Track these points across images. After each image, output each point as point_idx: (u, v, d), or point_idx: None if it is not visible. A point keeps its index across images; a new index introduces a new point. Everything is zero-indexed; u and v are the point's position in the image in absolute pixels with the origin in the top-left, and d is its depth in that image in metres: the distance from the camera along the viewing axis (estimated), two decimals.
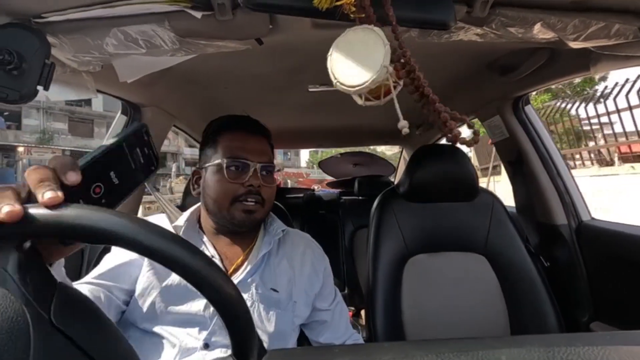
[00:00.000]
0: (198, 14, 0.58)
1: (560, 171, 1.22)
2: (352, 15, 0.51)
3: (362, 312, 2.01)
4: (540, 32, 0.68)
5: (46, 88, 0.61)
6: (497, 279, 1.10)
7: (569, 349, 0.35)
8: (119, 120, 1.19)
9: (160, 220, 0.84)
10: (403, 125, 0.50)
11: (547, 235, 1.24)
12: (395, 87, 0.52)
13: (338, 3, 0.49)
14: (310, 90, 1.23)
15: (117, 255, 0.77)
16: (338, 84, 0.51)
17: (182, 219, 0.82)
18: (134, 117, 1.17)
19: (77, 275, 1.08)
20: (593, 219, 1.20)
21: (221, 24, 0.62)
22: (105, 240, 0.30)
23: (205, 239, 0.80)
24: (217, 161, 0.77)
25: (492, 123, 1.33)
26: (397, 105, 0.51)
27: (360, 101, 0.54)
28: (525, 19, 0.65)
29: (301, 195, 2.50)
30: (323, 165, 3.14)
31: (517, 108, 1.24)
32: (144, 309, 0.72)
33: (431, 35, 0.69)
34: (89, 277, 0.73)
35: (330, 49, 0.51)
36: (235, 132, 0.81)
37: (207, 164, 0.80)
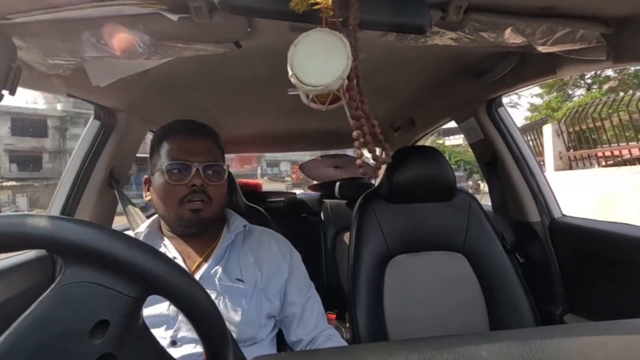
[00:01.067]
0: (174, 17, 0.57)
1: (533, 170, 1.27)
2: (324, 17, 0.51)
3: (346, 315, 2.01)
4: (511, 37, 0.70)
5: (12, 93, 0.58)
6: (476, 277, 1.12)
7: (545, 342, 0.36)
8: (91, 125, 1.15)
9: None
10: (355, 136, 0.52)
11: (522, 233, 1.28)
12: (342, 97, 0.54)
13: (315, 7, 0.50)
14: (290, 93, 1.22)
15: None
16: (293, 76, 0.52)
17: (144, 225, 0.85)
18: (107, 122, 1.14)
19: (48, 285, 1.03)
20: (564, 215, 1.25)
21: (198, 27, 0.61)
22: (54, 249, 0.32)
23: (166, 241, 0.82)
24: (161, 166, 0.79)
25: (467, 125, 1.37)
26: (348, 114, 0.53)
27: (305, 100, 0.55)
28: (496, 24, 0.68)
29: (282, 199, 2.48)
30: (304, 168, 3.14)
31: (491, 110, 1.28)
32: None
33: (407, 39, 0.70)
34: None
35: (296, 40, 0.52)
36: (177, 136, 0.83)
37: (154, 170, 0.82)
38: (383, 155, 0.54)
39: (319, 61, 0.51)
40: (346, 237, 2.12)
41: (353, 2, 0.52)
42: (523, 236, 1.28)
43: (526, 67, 0.99)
